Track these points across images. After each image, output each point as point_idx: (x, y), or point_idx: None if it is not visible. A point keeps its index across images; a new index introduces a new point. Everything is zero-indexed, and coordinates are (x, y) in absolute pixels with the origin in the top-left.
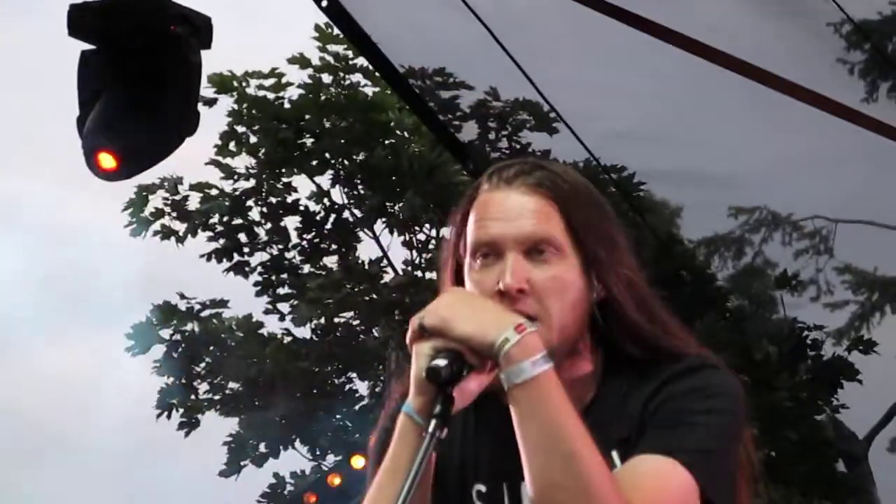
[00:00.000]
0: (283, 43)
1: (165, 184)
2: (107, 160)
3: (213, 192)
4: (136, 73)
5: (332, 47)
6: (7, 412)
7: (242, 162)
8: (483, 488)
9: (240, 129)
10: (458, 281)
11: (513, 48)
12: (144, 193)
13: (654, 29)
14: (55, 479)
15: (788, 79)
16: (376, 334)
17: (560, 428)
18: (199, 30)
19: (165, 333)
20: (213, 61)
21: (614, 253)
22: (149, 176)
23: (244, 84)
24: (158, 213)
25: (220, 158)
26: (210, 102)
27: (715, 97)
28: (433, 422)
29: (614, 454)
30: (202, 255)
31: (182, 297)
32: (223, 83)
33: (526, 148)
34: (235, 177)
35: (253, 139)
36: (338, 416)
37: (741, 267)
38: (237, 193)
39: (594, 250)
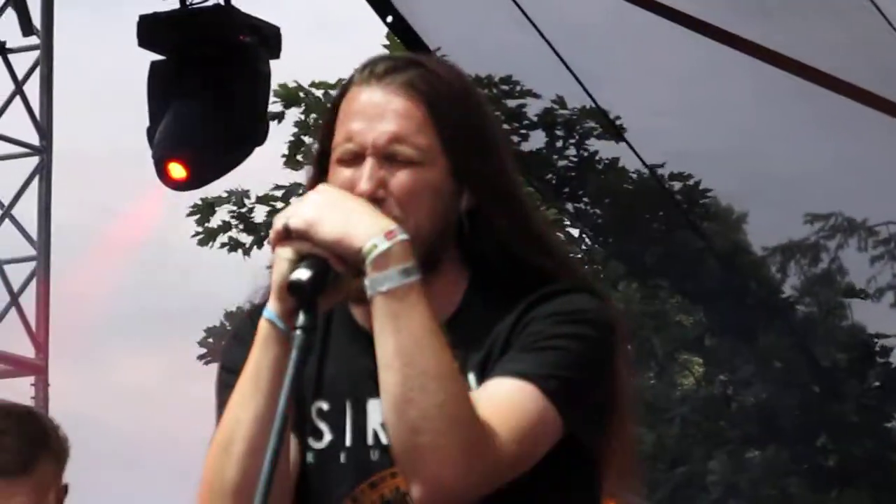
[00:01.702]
0: (351, 54)
1: (233, 197)
2: (177, 170)
3: (279, 204)
4: (204, 83)
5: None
6: (88, 420)
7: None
8: (325, 406)
9: (307, 139)
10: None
11: (577, 58)
12: (211, 203)
13: (718, 35)
14: (137, 480)
15: (861, 85)
16: None
17: (420, 342)
18: (268, 40)
19: None
20: (281, 72)
21: (490, 161)
22: (216, 188)
23: (311, 94)
24: (225, 226)
25: (289, 169)
26: (278, 117)
27: (786, 105)
28: (298, 334)
29: (471, 376)
30: (268, 267)
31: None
32: (289, 95)
33: (594, 156)
34: (301, 190)
35: None
36: None
37: (816, 273)
38: None
39: (465, 156)
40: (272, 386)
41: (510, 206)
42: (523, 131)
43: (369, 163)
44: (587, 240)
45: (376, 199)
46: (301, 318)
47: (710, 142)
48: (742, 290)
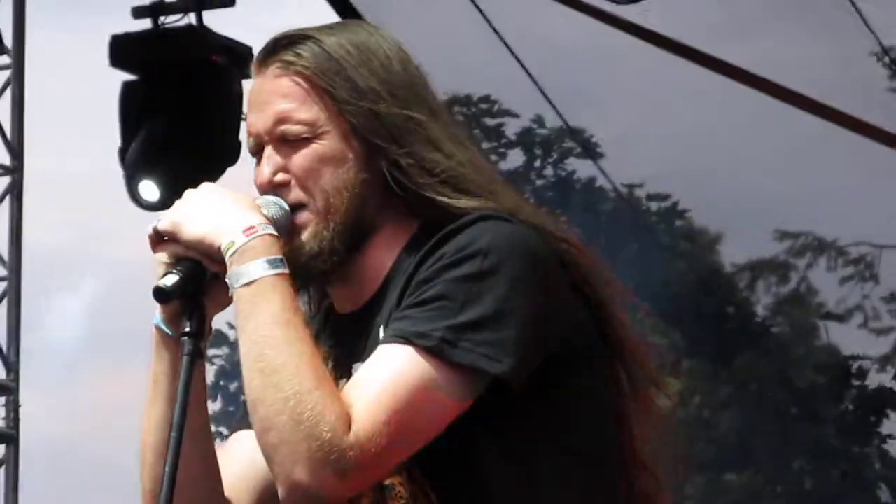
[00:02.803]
0: None
1: None
2: (148, 190)
3: None
4: (177, 103)
5: None
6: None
7: None
8: None
9: None
10: None
11: (555, 79)
12: None
13: (697, 58)
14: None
15: (834, 106)
16: None
17: (269, 337)
18: (241, 59)
19: (216, 362)
20: None
21: (393, 110)
22: None
23: None
24: None
25: None
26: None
27: (759, 126)
28: (186, 341)
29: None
30: None
31: (231, 326)
32: None
33: (571, 175)
34: None
35: None
36: None
37: (786, 293)
38: None
39: (359, 112)
40: (171, 391)
41: (415, 150)
42: (502, 150)
43: (266, 151)
44: None
45: (280, 184)
46: (187, 325)
47: (685, 163)
48: (719, 312)
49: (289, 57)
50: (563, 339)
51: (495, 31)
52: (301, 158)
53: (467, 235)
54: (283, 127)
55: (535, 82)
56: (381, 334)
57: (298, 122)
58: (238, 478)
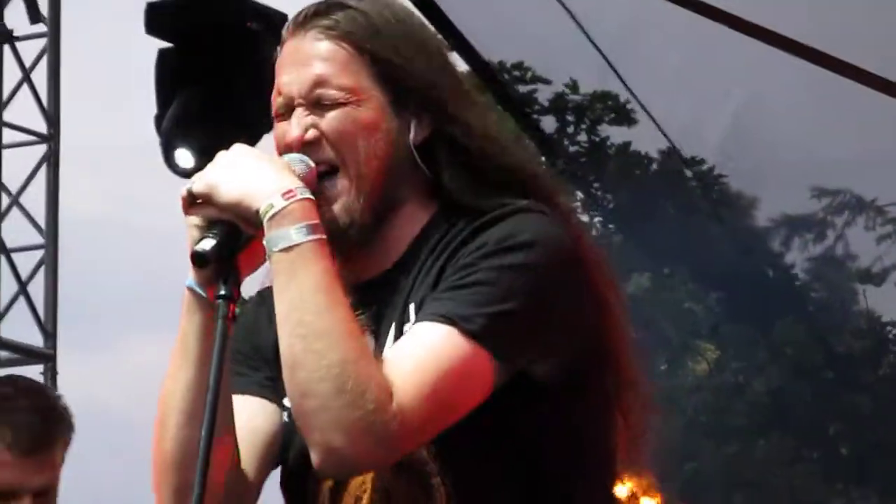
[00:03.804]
0: None
1: None
2: (184, 158)
3: None
4: (212, 70)
5: None
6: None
7: None
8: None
9: None
10: None
11: (595, 36)
12: None
13: (736, 22)
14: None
15: (871, 71)
16: None
17: (310, 301)
18: (276, 26)
19: None
20: None
21: (434, 90)
22: None
23: None
24: None
25: None
26: None
27: (801, 89)
28: (222, 304)
29: (412, 319)
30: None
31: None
32: None
33: (605, 141)
34: None
35: None
36: None
37: (822, 253)
38: None
39: (399, 87)
40: (201, 354)
41: (456, 129)
42: (535, 117)
43: (297, 111)
44: (598, 226)
45: (309, 142)
46: (222, 288)
47: (721, 124)
48: (757, 277)
49: (330, 22)
50: (585, 340)
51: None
52: (335, 121)
53: (509, 225)
54: (321, 90)
55: (593, 41)
56: (412, 309)
57: (337, 88)
58: (240, 444)
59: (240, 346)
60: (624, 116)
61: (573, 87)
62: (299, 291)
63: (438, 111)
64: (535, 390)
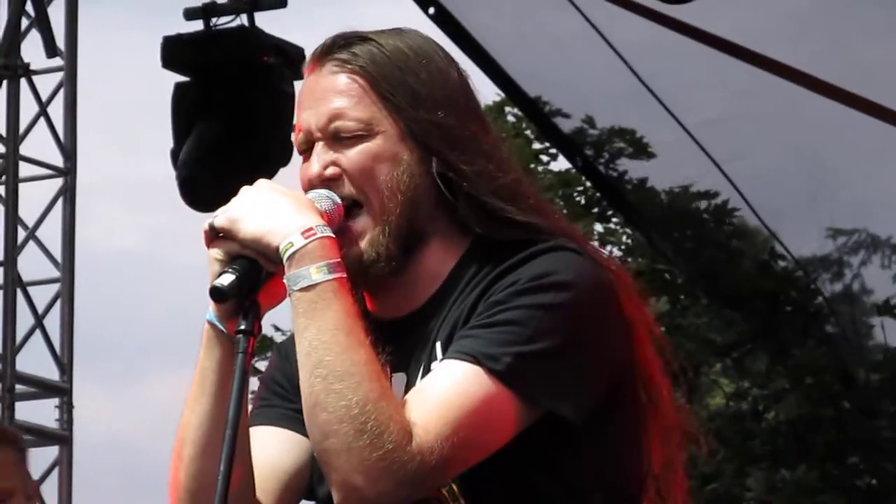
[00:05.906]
0: None
1: None
2: (201, 192)
3: None
4: (228, 104)
5: None
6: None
7: None
8: None
9: None
10: None
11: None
12: None
13: (754, 59)
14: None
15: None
16: None
17: (330, 342)
18: (292, 60)
19: (261, 366)
20: None
21: (443, 118)
22: None
23: None
24: None
25: None
26: None
27: (814, 123)
28: (241, 339)
29: (439, 356)
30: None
31: (276, 328)
32: None
33: (623, 175)
34: None
35: None
36: None
37: (839, 290)
38: None
39: (415, 118)
40: (218, 388)
41: (478, 165)
42: (553, 151)
43: (317, 147)
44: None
45: (330, 179)
46: (242, 323)
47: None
48: (775, 303)
49: (346, 56)
50: (616, 375)
51: (599, 34)
52: (355, 155)
53: (543, 264)
54: (338, 123)
55: (652, 92)
56: (439, 347)
57: (354, 120)
58: (262, 479)
59: (273, 373)
60: (642, 151)
61: (590, 122)
62: (319, 331)
63: (454, 144)
64: (565, 429)
